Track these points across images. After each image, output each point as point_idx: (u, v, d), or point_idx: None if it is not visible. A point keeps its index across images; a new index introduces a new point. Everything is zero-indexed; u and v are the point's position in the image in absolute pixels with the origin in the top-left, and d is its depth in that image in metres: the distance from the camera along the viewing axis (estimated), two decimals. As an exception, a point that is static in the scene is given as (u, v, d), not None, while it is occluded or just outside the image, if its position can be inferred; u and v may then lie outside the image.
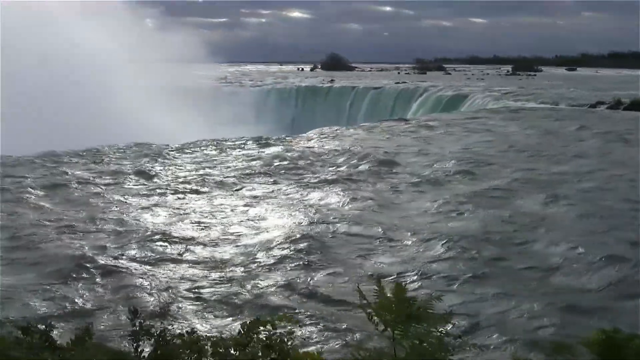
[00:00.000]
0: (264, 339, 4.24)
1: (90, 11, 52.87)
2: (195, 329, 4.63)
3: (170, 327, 4.37)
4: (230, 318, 9.42)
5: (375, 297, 3.87)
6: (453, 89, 57.32)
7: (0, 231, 13.70)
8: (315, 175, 20.14)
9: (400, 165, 21.59)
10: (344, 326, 9.01)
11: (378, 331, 3.82)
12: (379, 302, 3.83)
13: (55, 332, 4.54)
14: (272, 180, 19.74)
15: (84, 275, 11.22)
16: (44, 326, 4.52)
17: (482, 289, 10.46)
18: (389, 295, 3.85)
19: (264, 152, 25.25)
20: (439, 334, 3.71)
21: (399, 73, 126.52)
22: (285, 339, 4.27)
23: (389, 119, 41.72)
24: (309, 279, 11.06)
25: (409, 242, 13.02)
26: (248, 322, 4.34)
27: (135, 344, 4.36)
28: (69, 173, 20.38)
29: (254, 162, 22.64)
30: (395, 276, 11.00)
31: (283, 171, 20.92)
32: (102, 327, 8.79)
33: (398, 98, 58.07)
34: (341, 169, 21.24)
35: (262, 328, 4.28)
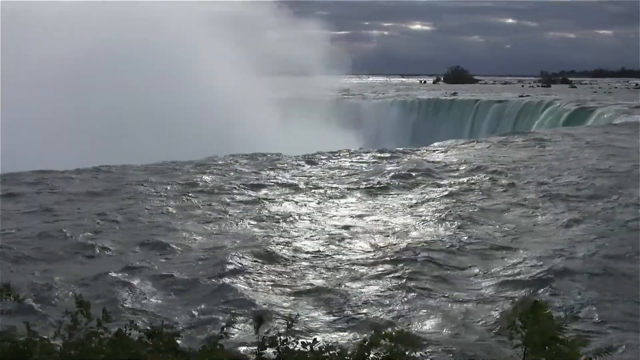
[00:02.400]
0: (385, 355, 4.30)
1: (211, 23, 53.95)
2: (318, 341, 4.73)
3: (293, 337, 4.46)
4: (353, 330, 9.52)
5: (518, 314, 3.88)
6: (578, 103, 55.95)
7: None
8: (436, 188, 20.10)
9: (521, 179, 21.27)
10: (468, 345, 9.01)
11: (512, 347, 3.83)
12: (519, 318, 3.83)
13: (181, 336, 4.77)
14: (391, 192, 19.78)
15: (214, 279, 11.60)
16: (169, 331, 4.75)
17: (615, 311, 10.23)
18: (526, 312, 3.85)
19: (384, 164, 25.31)
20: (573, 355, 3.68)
21: (522, 86, 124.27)
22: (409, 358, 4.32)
23: (512, 132, 41.16)
24: (435, 293, 11.07)
25: (530, 258, 12.86)
26: (368, 337, 4.42)
27: (258, 352, 4.52)
28: (203, 181, 21.07)
29: (374, 174, 22.73)
30: (528, 291, 10.95)
31: (402, 183, 20.92)
32: (228, 331, 9.02)
33: (521, 111, 57.16)
34: (461, 181, 21.11)
35: (382, 342, 4.35)
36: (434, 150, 29.58)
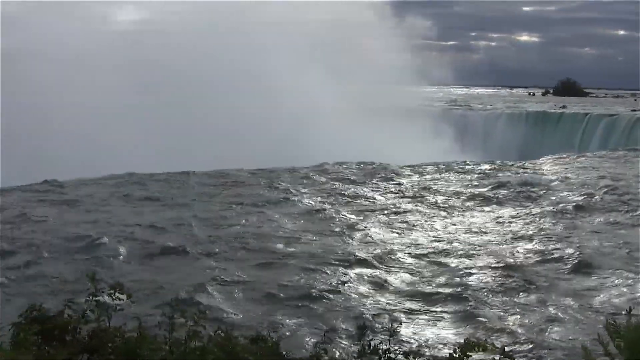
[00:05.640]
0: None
1: (311, 30, 54.16)
2: (419, 350, 4.72)
3: (396, 347, 4.46)
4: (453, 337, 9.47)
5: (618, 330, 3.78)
6: (695, 118, 54.12)
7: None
8: (542, 204, 19.76)
9: (633, 197, 20.65)
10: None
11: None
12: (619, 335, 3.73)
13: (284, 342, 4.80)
14: (495, 206, 19.61)
15: (320, 285, 11.72)
16: (274, 336, 4.79)
17: None
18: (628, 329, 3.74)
19: (490, 176, 25.03)
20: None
21: (635, 100, 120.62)
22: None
23: (624, 147, 40.11)
24: (530, 309, 10.93)
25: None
26: (461, 344, 4.38)
27: (360, 361, 4.51)
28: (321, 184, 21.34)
29: (478, 187, 22.57)
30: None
31: (508, 197, 20.70)
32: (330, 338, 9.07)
33: (635, 126, 55.52)
34: (569, 198, 20.67)
35: (475, 350, 4.31)
36: (544, 164, 29.13)
